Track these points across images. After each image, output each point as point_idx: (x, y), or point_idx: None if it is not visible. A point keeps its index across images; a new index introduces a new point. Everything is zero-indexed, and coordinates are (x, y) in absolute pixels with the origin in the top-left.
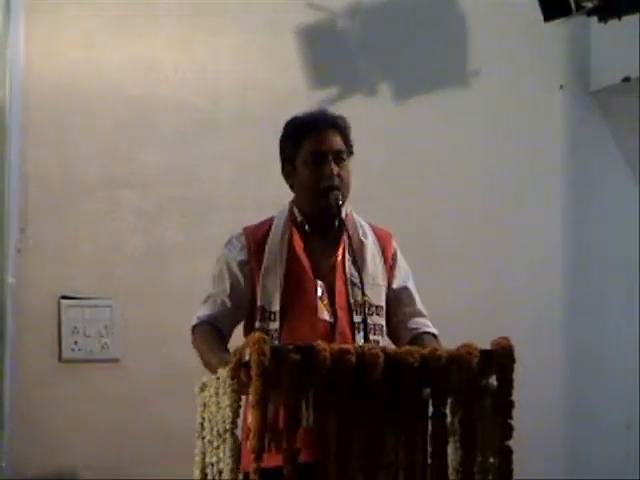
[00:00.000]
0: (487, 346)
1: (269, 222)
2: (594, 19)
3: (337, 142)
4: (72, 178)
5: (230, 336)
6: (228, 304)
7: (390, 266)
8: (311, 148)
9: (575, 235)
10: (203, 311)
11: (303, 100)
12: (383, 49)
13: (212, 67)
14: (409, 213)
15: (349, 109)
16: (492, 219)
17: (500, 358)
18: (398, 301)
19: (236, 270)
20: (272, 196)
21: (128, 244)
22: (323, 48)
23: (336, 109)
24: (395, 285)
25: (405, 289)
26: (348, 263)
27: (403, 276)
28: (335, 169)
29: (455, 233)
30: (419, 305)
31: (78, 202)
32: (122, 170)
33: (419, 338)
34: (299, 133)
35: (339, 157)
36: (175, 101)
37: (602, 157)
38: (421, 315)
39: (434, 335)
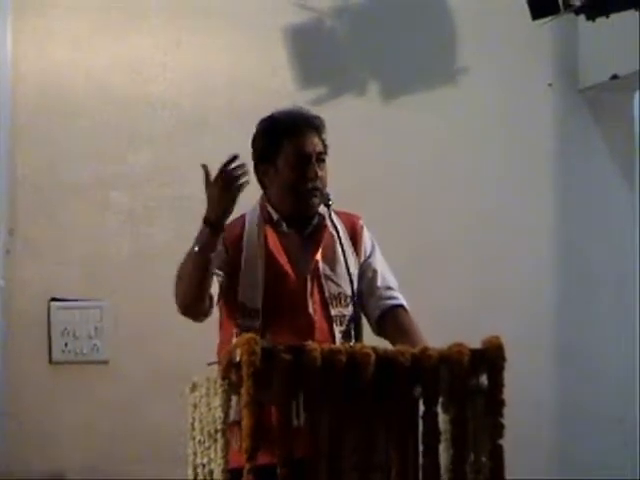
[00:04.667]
0: (477, 343)
1: (242, 220)
2: (582, 17)
3: (318, 143)
4: (61, 179)
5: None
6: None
7: (358, 247)
8: (295, 150)
9: (564, 232)
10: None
11: (292, 100)
12: (371, 48)
13: (201, 67)
14: (397, 211)
15: (338, 108)
16: (480, 218)
17: (491, 357)
18: (363, 278)
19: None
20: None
21: (118, 245)
22: (311, 48)
23: (325, 108)
24: (360, 261)
25: (368, 265)
26: (320, 259)
27: (369, 253)
28: (319, 171)
29: (443, 232)
30: (385, 277)
31: (67, 203)
32: (111, 171)
33: (388, 314)
34: (280, 133)
35: (320, 158)
36: (164, 101)
37: (591, 155)
38: (387, 288)
39: (402, 307)
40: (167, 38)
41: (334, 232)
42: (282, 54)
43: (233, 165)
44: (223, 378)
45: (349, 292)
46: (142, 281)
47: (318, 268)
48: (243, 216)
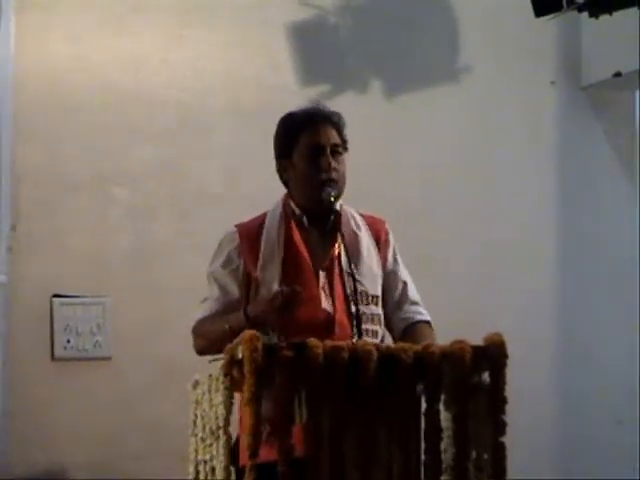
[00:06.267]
0: (478, 340)
1: (262, 217)
2: (585, 14)
3: (334, 136)
4: (63, 175)
5: None
6: (220, 308)
7: (382, 252)
8: (309, 141)
9: (566, 229)
10: (201, 314)
11: (293, 96)
12: (374, 46)
13: (201, 63)
14: (398, 209)
15: (339, 105)
16: (483, 214)
17: (493, 354)
18: (389, 288)
19: (226, 279)
20: (262, 192)
21: (120, 241)
22: (313, 44)
23: (327, 105)
24: (386, 272)
25: (395, 275)
26: (344, 255)
27: (393, 262)
28: (333, 162)
29: (445, 227)
30: (410, 292)
31: (69, 199)
32: (112, 167)
33: (412, 328)
34: (296, 128)
35: (336, 151)
36: (164, 97)
37: (593, 152)
38: (412, 302)
39: (427, 322)
40: (168, 34)
41: (357, 232)
42: (284, 51)
43: (292, 293)
44: (225, 375)
45: (372, 291)
46: (144, 277)
47: (341, 264)
48: (263, 215)
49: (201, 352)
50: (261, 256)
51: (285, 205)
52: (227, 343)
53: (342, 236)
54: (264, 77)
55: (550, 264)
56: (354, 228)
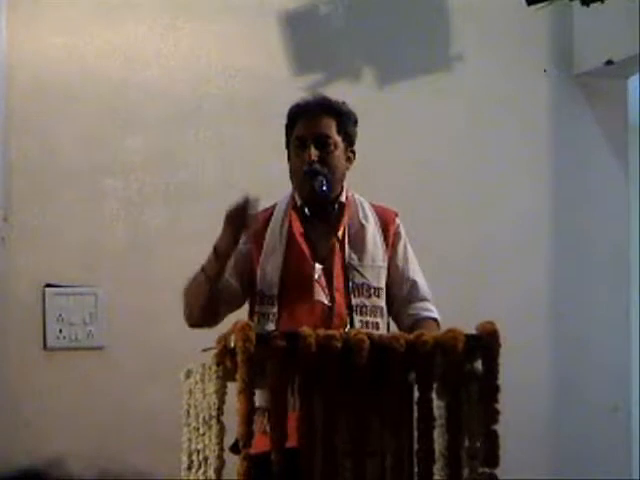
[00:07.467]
0: (472, 328)
1: (272, 208)
2: (577, 3)
3: (322, 127)
4: (56, 166)
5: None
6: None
7: (391, 246)
8: (296, 133)
9: (561, 217)
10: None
11: (287, 86)
12: (367, 35)
13: (195, 53)
14: (391, 198)
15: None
16: (477, 204)
17: (486, 343)
18: (397, 284)
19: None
20: (257, 182)
21: (113, 231)
22: (307, 34)
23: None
24: (394, 266)
25: (404, 271)
26: (347, 246)
27: (403, 256)
28: (314, 154)
29: (439, 218)
30: (420, 288)
31: (62, 190)
32: (106, 157)
33: (418, 324)
34: (291, 119)
35: (322, 142)
36: (159, 88)
37: (586, 140)
38: (421, 299)
39: (435, 319)
40: (162, 24)
41: (364, 222)
42: (278, 40)
43: (241, 205)
44: (218, 364)
45: (374, 283)
46: (137, 267)
47: (343, 256)
48: (274, 205)
49: (189, 317)
50: (264, 247)
51: (292, 195)
52: (204, 289)
53: (346, 227)
54: (258, 67)
55: (544, 251)
56: (361, 218)
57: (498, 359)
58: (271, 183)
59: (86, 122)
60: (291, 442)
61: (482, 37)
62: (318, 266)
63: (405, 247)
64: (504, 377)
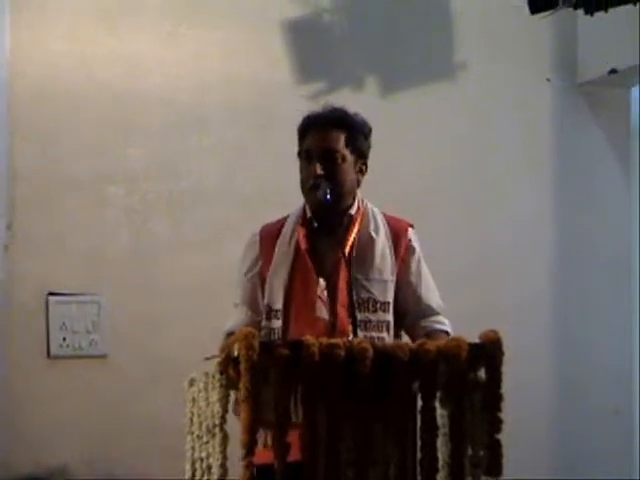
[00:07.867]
0: (474, 330)
1: (284, 220)
2: (580, 12)
3: (329, 141)
4: (59, 173)
5: None
6: (249, 312)
7: (402, 260)
8: (305, 146)
9: (563, 224)
10: (231, 321)
11: (290, 94)
12: (369, 42)
13: (198, 61)
14: (394, 205)
15: (335, 103)
16: (480, 210)
17: (489, 351)
18: (409, 301)
19: (248, 288)
20: (259, 190)
21: (115, 239)
22: (310, 42)
23: (322, 103)
24: (406, 283)
25: (417, 288)
26: (353, 260)
27: (416, 271)
28: (319, 168)
29: (442, 224)
30: (432, 301)
31: (65, 197)
32: (109, 165)
33: (430, 337)
34: (301, 132)
35: (329, 156)
36: (161, 95)
37: (589, 149)
38: (433, 313)
39: (447, 333)
40: (164, 32)
41: (374, 235)
42: (280, 48)
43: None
44: (221, 373)
45: (381, 298)
46: (140, 275)
47: (349, 270)
48: (286, 217)
49: None
50: (273, 261)
51: (303, 208)
52: None
53: (354, 240)
54: (260, 75)
55: (545, 257)
56: (371, 231)
57: (501, 368)
58: (274, 190)
59: (89, 130)
60: (294, 456)
61: (485, 45)
62: (322, 282)
63: (419, 262)
64: (505, 381)
